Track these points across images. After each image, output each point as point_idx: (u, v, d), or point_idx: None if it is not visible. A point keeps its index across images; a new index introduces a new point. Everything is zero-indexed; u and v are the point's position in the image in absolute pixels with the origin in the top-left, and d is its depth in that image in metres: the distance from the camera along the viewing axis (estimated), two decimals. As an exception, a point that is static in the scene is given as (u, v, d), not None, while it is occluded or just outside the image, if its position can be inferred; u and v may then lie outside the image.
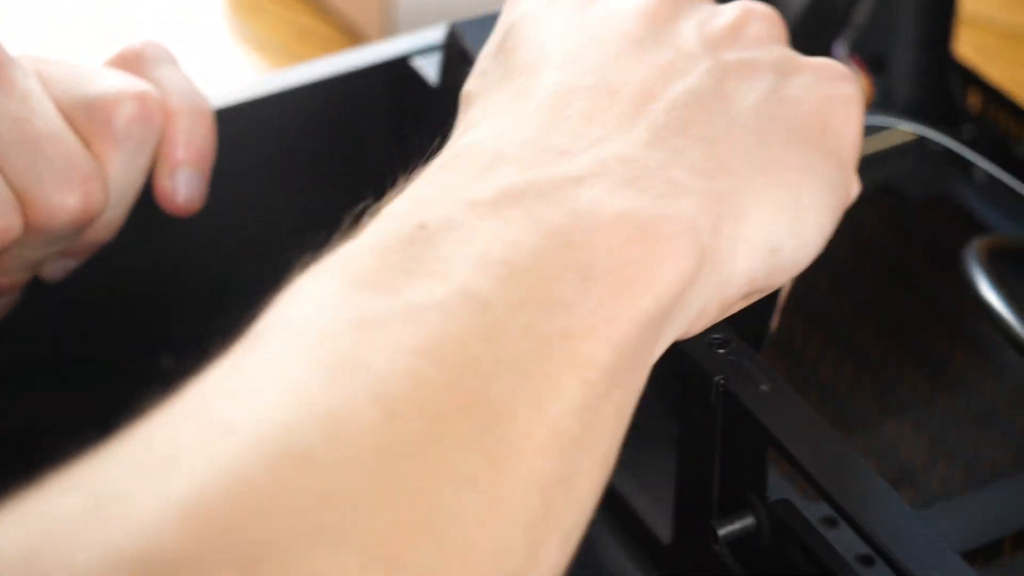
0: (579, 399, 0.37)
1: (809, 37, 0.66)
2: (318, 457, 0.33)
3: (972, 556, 0.53)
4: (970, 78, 0.68)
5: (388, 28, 0.82)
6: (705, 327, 0.44)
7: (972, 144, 0.65)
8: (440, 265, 0.38)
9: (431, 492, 0.34)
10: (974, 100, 0.67)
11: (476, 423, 0.35)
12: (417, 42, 0.62)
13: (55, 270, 0.55)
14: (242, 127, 0.59)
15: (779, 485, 0.49)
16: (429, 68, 0.60)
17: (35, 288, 0.56)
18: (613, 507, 0.56)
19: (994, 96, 0.67)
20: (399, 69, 0.61)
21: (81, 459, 0.33)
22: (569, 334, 0.37)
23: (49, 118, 0.51)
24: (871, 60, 0.68)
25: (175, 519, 0.31)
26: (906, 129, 0.66)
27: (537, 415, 0.36)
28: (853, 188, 0.46)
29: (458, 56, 0.58)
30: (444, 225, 0.39)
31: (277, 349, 0.36)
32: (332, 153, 0.62)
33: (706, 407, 0.48)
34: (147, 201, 0.56)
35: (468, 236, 0.38)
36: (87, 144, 0.52)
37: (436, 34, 0.61)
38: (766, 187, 0.43)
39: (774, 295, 0.53)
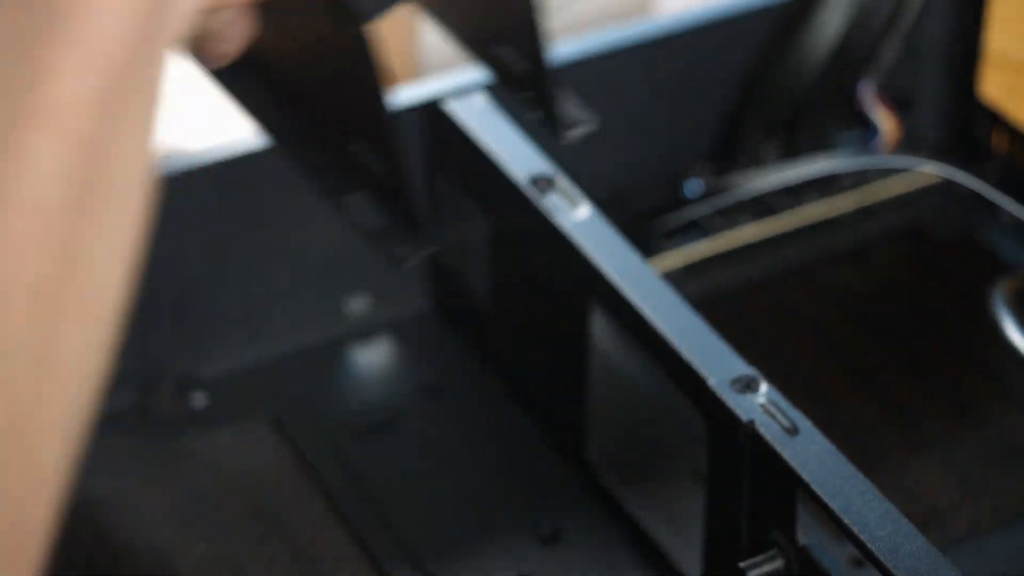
0: (64, 157, 0.31)
1: (836, 77, 0.66)
2: None
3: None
4: (996, 118, 0.68)
5: (414, 68, 0.82)
6: None
7: (998, 184, 0.66)
8: None
9: None
10: (1000, 140, 0.68)
11: None
12: (450, 84, 0.61)
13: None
14: (268, 172, 0.59)
15: (808, 525, 0.50)
16: (463, 112, 0.60)
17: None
18: (642, 546, 0.56)
19: (1020, 136, 0.67)
20: (431, 113, 0.60)
21: None
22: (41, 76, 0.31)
23: None
24: (898, 100, 0.68)
25: None
26: (932, 171, 0.67)
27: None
28: None
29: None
30: None
31: None
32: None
33: (734, 449, 0.48)
34: (176, 231, 0.56)
35: None
36: None
37: (469, 76, 0.61)
38: None
39: None
